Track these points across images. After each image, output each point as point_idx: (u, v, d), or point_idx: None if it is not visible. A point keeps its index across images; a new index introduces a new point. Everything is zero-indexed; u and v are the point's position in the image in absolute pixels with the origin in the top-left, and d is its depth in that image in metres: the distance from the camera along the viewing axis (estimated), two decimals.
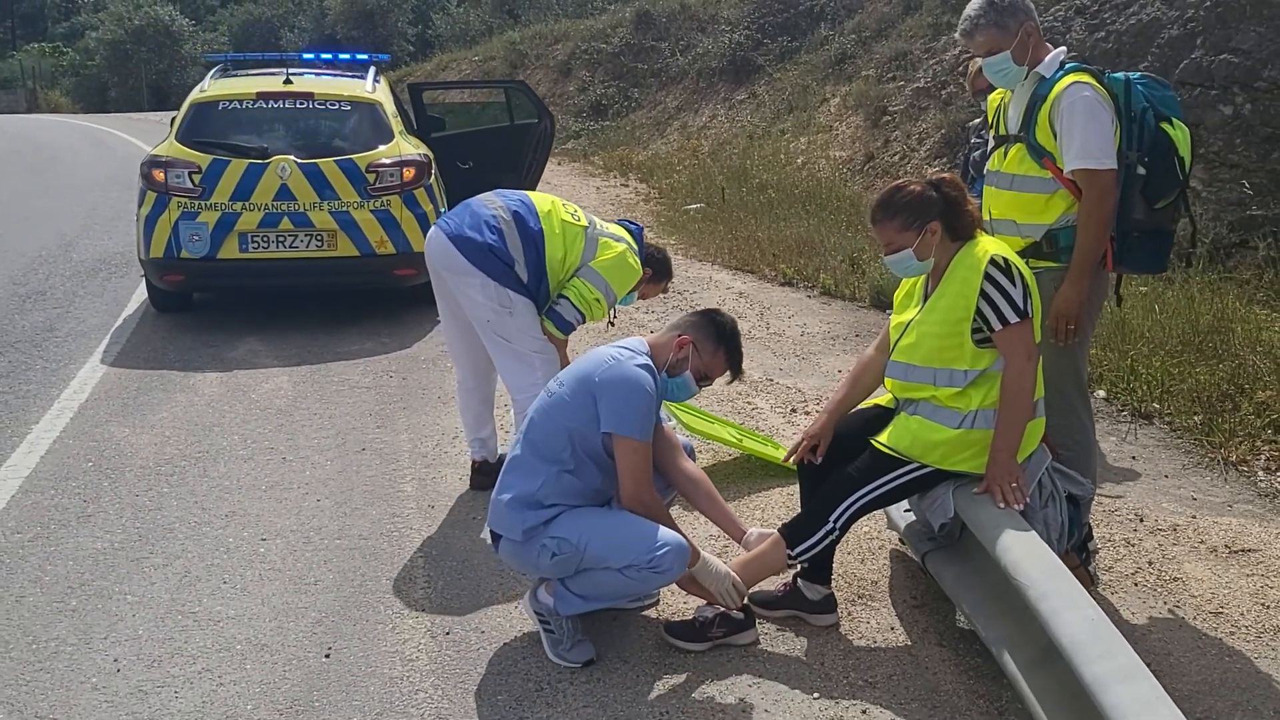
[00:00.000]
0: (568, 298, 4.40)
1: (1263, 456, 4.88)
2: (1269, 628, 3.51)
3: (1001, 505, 3.23)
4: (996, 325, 3.25)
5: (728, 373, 3.59)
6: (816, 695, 3.18)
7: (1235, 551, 4.02)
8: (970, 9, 3.70)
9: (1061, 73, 3.59)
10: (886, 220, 3.39)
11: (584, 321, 4.49)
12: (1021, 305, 3.25)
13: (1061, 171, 3.55)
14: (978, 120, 5.43)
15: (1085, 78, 3.54)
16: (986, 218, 3.75)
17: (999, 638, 3.11)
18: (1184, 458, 5.02)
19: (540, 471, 3.32)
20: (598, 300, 4.43)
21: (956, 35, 3.88)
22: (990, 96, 4.01)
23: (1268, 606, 3.64)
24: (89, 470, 4.97)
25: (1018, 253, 3.50)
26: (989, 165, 3.86)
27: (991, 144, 3.91)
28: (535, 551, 3.28)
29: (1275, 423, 5.07)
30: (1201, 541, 4.12)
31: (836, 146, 13.26)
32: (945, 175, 3.52)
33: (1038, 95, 3.61)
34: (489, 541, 3.59)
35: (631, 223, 4.69)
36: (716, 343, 3.52)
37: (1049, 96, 3.56)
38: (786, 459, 3.79)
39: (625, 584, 3.28)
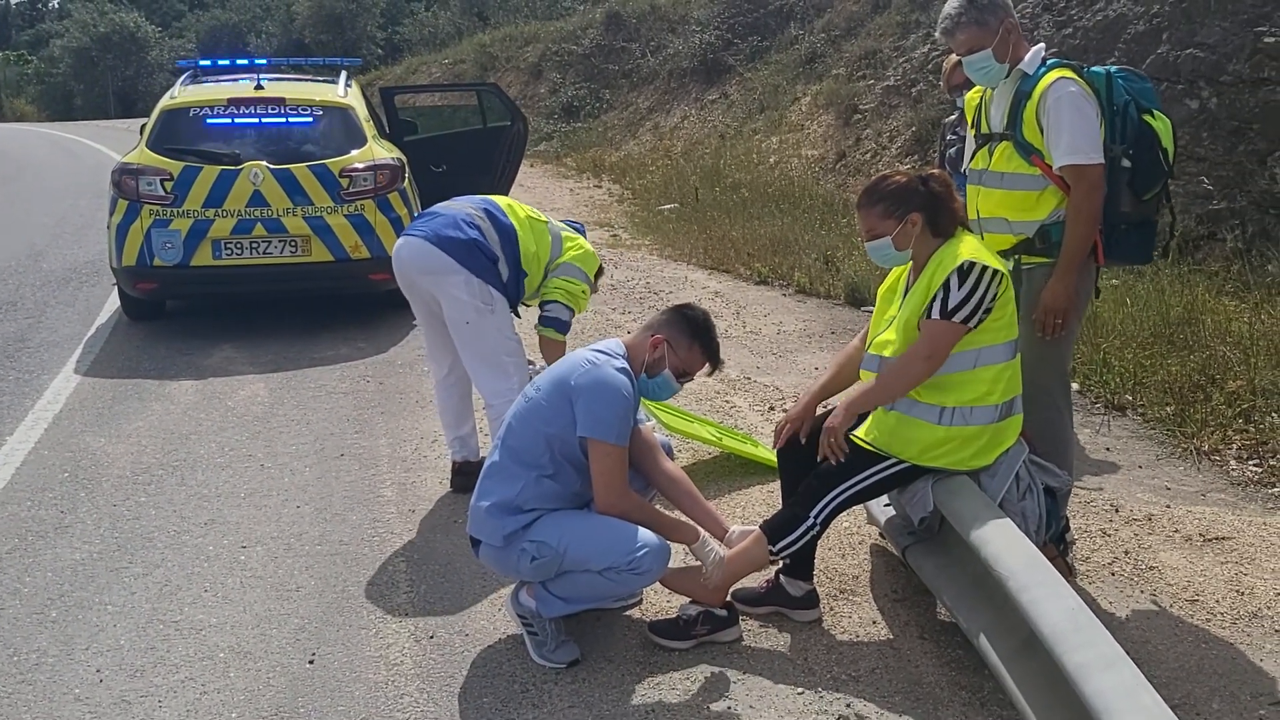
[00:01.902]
0: (556, 300, 4.51)
1: (1234, 445, 4.95)
2: (1244, 614, 3.56)
3: (820, 459, 3.40)
4: (933, 314, 3.29)
5: (706, 365, 3.61)
6: (800, 690, 3.20)
7: (1209, 540, 4.07)
8: (950, 7, 3.70)
9: (1044, 69, 3.62)
10: (869, 206, 3.42)
11: (573, 316, 4.61)
12: (951, 309, 3.25)
13: (1050, 168, 3.58)
14: (953, 117, 5.46)
15: (1068, 73, 3.57)
16: (973, 217, 3.77)
17: (980, 629, 3.13)
18: (1157, 448, 5.08)
19: (519, 477, 3.33)
20: (583, 291, 4.57)
21: (936, 34, 3.88)
22: (968, 96, 4.02)
23: (1242, 593, 3.69)
24: (65, 481, 4.93)
25: (1009, 249, 3.56)
26: (973, 164, 3.87)
27: (973, 143, 3.92)
28: (515, 556, 3.29)
29: (1245, 412, 5.13)
30: (1176, 530, 4.17)
31: (808, 145, 13.32)
32: (935, 171, 3.55)
33: (1022, 92, 3.64)
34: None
35: (574, 222, 4.90)
36: (690, 338, 3.54)
37: (1033, 93, 3.59)
38: (776, 443, 3.78)
39: (606, 586, 3.29)
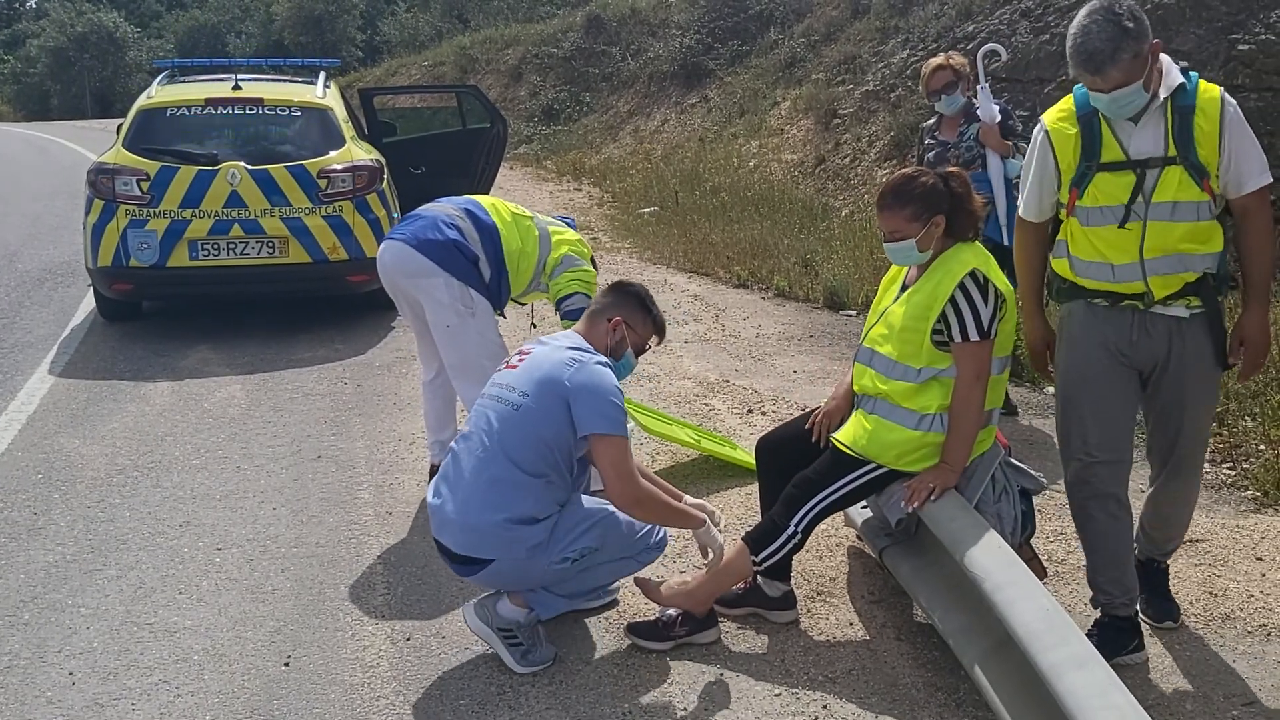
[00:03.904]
0: (576, 291, 4.50)
1: (1208, 449, 4.97)
2: (1217, 616, 3.59)
3: (904, 505, 3.34)
4: (957, 337, 3.29)
5: (655, 336, 3.72)
6: (778, 691, 3.20)
7: (1183, 542, 4.08)
8: (1096, 39, 3.04)
9: (1194, 80, 3.13)
10: (898, 208, 3.36)
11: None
12: (986, 326, 3.28)
13: (1215, 191, 3.11)
14: (931, 121, 5.48)
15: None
16: (1129, 261, 3.14)
17: (956, 630, 3.15)
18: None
19: (529, 486, 3.28)
20: (593, 276, 4.60)
21: (1074, 68, 3.13)
22: (1056, 123, 3.26)
23: (1215, 595, 3.72)
24: (39, 482, 4.89)
25: (1182, 290, 3.14)
26: (1108, 200, 3.14)
27: (1053, 176, 3.25)
28: (543, 565, 3.29)
29: (1219, 416, 5.16)
30: None
31: (788, 149, 13.34)
32: (953, 170, 3.53)
33: (1184, 107, 3.08)
34: (449, 565, 3.47)
35: (565, 217, 4.90)
36: (644, 313, 3.64)
37: (1197, 107, 3.07)
38: (815, 437, 3.70)
39: (630, 567, 3.52)
